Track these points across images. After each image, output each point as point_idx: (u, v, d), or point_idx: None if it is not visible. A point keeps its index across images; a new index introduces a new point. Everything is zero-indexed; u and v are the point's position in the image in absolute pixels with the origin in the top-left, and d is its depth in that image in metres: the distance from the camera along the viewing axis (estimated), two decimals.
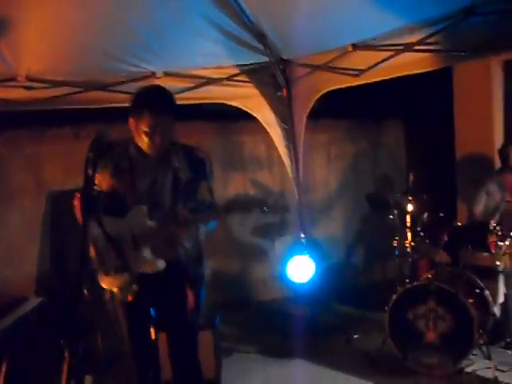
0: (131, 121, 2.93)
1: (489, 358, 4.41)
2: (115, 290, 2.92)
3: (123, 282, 2.86)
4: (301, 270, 5.31)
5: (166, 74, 4.69)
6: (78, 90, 4.55)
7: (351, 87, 4.80)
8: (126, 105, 3.01)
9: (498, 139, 6.09)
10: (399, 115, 7.27)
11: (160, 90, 3.04)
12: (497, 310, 4.76)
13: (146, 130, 2.86)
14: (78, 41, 3.96)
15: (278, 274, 6.01)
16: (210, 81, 4.97)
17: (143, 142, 2.91)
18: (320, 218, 6.78)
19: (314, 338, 5.27)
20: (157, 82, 4.53)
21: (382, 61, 4.15)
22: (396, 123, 7.43)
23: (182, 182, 3.00)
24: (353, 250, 7.11)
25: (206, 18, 3.94)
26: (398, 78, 6.17)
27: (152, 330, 3.09)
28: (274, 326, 5.66)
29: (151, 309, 3.06)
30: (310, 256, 5.31)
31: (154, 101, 2.90)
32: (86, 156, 2.17)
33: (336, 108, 6.46)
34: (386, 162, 7.22)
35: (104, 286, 2.96)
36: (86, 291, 2.06)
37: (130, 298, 2.87)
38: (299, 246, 5.39)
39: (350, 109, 6.51)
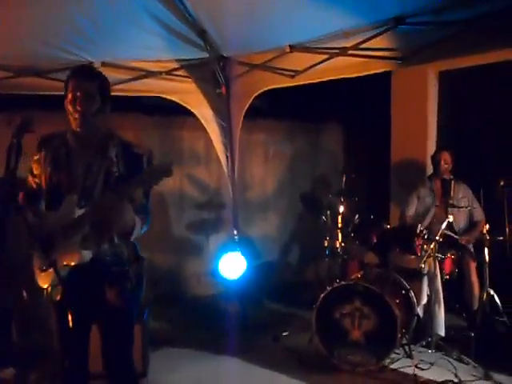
0: (65, 103, 2.86)
1: (410, 356, 4.52)
2: (46, 286, 2.85)
3: (52, 278, 2.79)
4: (232, 266, 5.34)
5: (104, 65, 4.64)
6: (10, 74, 4.45)
7: (292, 88, 4.86)
8: (63, 93, 2.96)
9: (431, 145, 6.27)
10: (339, 118, 7.38)
11: (86, 65, 2.97)
12: (420, 311, 4.90)
13: (70, 97, 2.78)
14: (13, 25, 3.86)
15: (212, 270, 6.02)
16: (148, 74, 4.95)
17: (72, 117, 2.82)
18: (256, 216, 6.82)
19: (243, 334, 5.31)
20: None
21: (318, 63, 4.22)
22: (335, 126, 7.55)
23: (113, 176, 2.93)
24: (287, 248, 7.19)
25: (146, 11, 3.91)
26: (339, 81, 6.29)
27: (82, 326, 3.02)
28: (205, 321, 5.68)
29: (82, 305, 2.98)
30: (242, 253, 5.35)
31: (77, 71, 2.85)
32: (10, 142, 2.12)
33: (276, 108, 6.53)
34: (324, 163, 7.32)
35: (39, 283, 2.88)
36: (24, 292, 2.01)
37: (57, 295, 2.79)
38: (232, 243, 5.42)
39: (291, 110, 6.58)
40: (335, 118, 7.33)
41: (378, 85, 6.73)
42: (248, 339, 5.25)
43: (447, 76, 6.36)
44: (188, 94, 5.22)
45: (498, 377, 4.42)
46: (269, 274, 6.76)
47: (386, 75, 6.61)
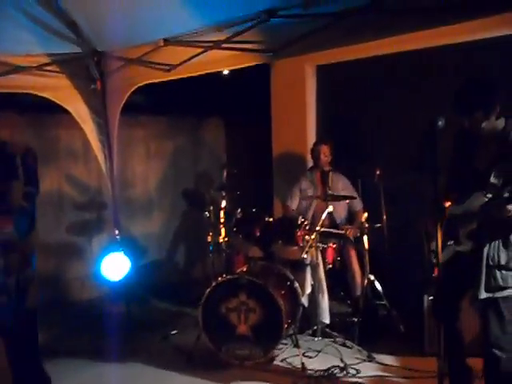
0: None
1: (297, 346, 4.58)
2: None
3: None
4: (115, 267, 5.18)
5: None
6: None
7: (173, 84, 4.80)
8: None
9: (311, 139, 6.36)
10: (220, 113, 7.38)
11: None
12: (305, 301, 4.99)
13: None
14: None
15: (95, 272, 5.83)
16: (18, 69, 4.67)
17: None
18: (139, 215, 6.69)
19: (130, 336, 5.18)
20: None
21: (192, 57, 4.18)
22: (217, 121, 7.54)
23: None
24: (173, 246, 7.10)
25: (13, 2, 3.72)
26: (220, 76, 6.30)
27: None
28: (89, 326, 5.50)
29: None
30: (126, 254, 5.20)
31: None
32: None
33: (157, 104, 6.43)
34: (207, 159, 7.29)
35: None
36: None
37: None
38: (114, 244, 5.27)
39: (172, 106, 6.49)
40: (217, 113, 7.32)
41: (259, 80, 6.80)
42: (135, 341, 5.13)
43: (325, 70, 6.51)
44: (61, 90, 4.99)
45: (380, 357, 4.62)
46: (155, 274, 6.65)
47: (266, 70, 6.69)
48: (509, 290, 3.20)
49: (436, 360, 3.04)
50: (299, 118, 6.51)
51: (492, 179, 3.15)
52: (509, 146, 3.16)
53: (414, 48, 5.03)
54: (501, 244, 3.17)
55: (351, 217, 5.79)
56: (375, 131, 6.11)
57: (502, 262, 3.17)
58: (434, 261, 3.30)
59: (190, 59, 4.22)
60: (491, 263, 3.17)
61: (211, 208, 5.20)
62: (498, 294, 3.20)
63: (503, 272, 3.17)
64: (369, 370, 4.42)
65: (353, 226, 5.58)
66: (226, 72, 6.83)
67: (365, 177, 5.61)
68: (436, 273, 3.46)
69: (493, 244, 3.17)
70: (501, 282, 3.17)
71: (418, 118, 2.78)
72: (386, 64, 5.71)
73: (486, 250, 3.17)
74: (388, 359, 4.59)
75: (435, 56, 5.32)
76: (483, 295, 3.19)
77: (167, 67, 4.44)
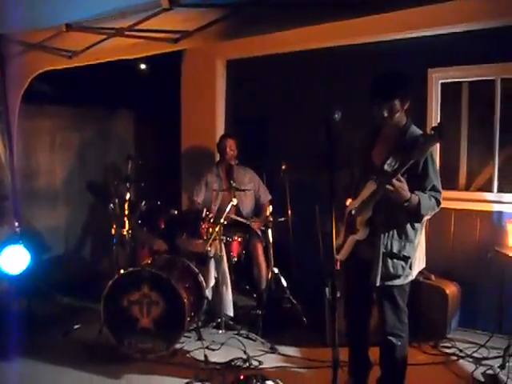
0: None
1: (200, 338, 4.58)
2: None
3: None
4: (14, 261, 4.99)
5: None
6: None
7: (81, 73, 4.69)
8: None
9: (220, 133, 6.40)
10: (130, 105, 7.26)
11: None
12: (209, 293, 5.00)
13: None
14: None
15: None
16: None
17: None
18: (43, 207, 6.45)
19: (31, 333, 4.97)
20: None
21: (95, 44, 4.09)
22: (126, 113, 7.41)
23: None
24: (79, 240, 6.91)
25: None
26: (130, 67, 6.19)
27: None
28: None
29: None
30: (26, 247, 5.02)
31: None
32: None
33: (64, 94, 6.24)
34: (115, 151, 7.14)
35: None
36: None
37: None
38: (14, 237, 5.08)
39: (79, 96, 6.32)
40: (126, 105, 7.19)
41: (170, 73, 6.76)
42: (36, 337, 4.93)
43: (234, 65, 6.55)
44: None
45: (282, 348, 4.72)
46: (59, 268, 6.44)
47: (178, 63, 6.66)
48: (400, 279, 3.34)
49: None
50: (208, 112, 6.54)
51: (385, 167, 3.27)
52: (405, 140, 3.27)
53: (315, 47, 5.19)
54: (395, 233, 3.30)
55: (258, 210, 5.85)
56: (282, 126, 6.21)
57: (395, 250, 3.29)
58: (337, 257, 3.42)
59: (92, 46, 4.13)
60: (384, 251, 3.28)
61: (116, 200, 5.11)
62: (389, 283, 3.32)
63: (395, 261, 3.30)
64: (272, 361, 4.49)
65: (258, 219, 5.65)
66: (143, 66, 6.78)
67: (271, 171, 5.68)
68: (338, 266, 3.59)
69: (389, 233, 3.29)
70: (392, 270, 3.30)
71: (323, 114, 2.81)
72: (293, 60, 5.83)
73: (382, 238, 3.28)
74: (290, 350, 4.69)
75: (340, 52, 5.47)
76: (378, 282, 3.31)
77: (69, 54, 4.33)
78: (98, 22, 3.87)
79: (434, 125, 3.03)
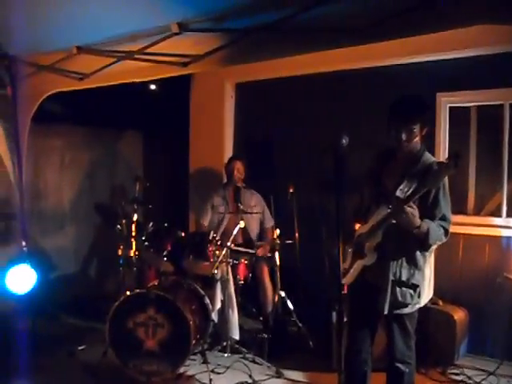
0: None
1: (205, 362, 4.55)
2: None
3: None
4: (21, 280, 4.98)
5: None
6: None
7: (91, 94, 4.72)
8: None
9: (228, 155, 6.42)
10: (139, 126, 7.30)
11: None
12: (215, 316, 4.97)
13: None
14: None
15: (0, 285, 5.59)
16: None
17: None
18: (51, 227, 6.47)
19: (36, 352, 4.95)
20: None
21: (105, 66, 4.12)
22: (135, 134, 7.45)
23: None
24: (86, 260, 6.92)
25: None
26: (140, 89, 6.23)
27: None
28: None
29: None
30: (33, 266, 5.02)
31: None
32: None
33: (74, 114, 6.28)
34: (123, 172, 7.17)
35: None
36: None
37: None
38: (21, 256, 5.08)
39: (89, 116, 6.37)
40: (135, 126, 7.24)
41: (179, 95, 6.80)
42: (41, 357, 4.89)
43: (244, 87, 6.59)
44: None
45: (288, 373, 4.67)
46: (66, 288, 6.44)
47: (187, 85, 6.70)
48: (408, 308, 3.30)
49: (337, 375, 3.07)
50: (217, 133, 6.57)
51: (397, 192, 3.25)
52: (419, 167, 3.26)
53: (323, 70, 5.22)
54: (404, 260, 3.27)
55: (261, 234, 5.84)
56: (290, 149, 6.21)
57: (404, 278, 3.25)
58: (343, 281, 3.38)
59: (102, 68, 4.16)
60: (393, 278, 3.25)
61: (124, 221, 5.12)
62: (398, 311, 3.28)
63: (403, 289, 3.25)
64: None
65: (264, 244, 5.64)
66: (153, 87, 6.83)
67: (278, 194, 5.68)
68: (345, 290, 3.54)
69: (398, 260, 3.26)
70: (400, 299, 3.26)
71: (331, 138, 2.81)
72: (301, 83, 5.86)
73: (391, 265, 3.26)
74: (296, 375, 4.65)
75: (348, 77, 5.49)
76: (386, 311, 3.27)
77: (80, 76, 4.36)
78: (109, 44, 3.90)
79: (449, 153, 3.02)
